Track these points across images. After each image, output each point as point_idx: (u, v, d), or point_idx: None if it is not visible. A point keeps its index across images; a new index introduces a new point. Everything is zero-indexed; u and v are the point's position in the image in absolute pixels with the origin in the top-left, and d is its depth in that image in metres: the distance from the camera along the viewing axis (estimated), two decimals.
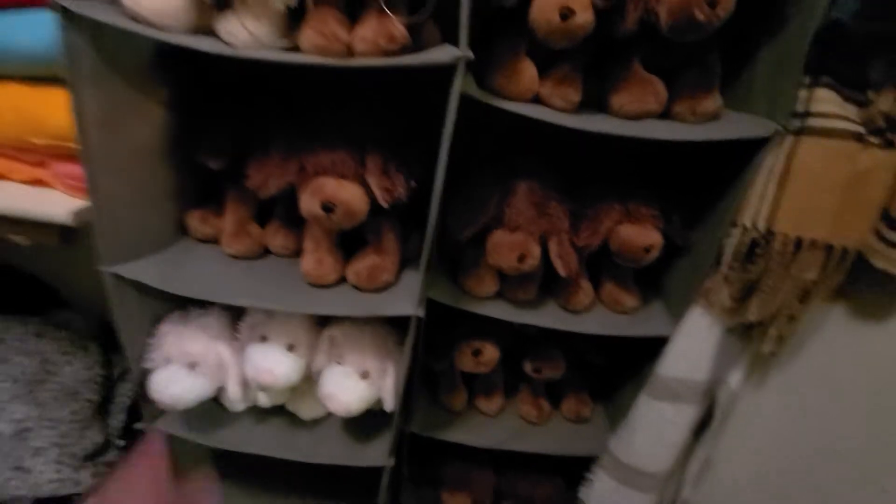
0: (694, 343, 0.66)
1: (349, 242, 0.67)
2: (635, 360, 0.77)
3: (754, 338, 0.63)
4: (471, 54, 0.48)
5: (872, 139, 0.48)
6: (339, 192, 0.55)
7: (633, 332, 0.70)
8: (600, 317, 0.72)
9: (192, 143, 0.65)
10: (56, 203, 0.68)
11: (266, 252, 0.74)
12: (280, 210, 0.72)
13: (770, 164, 0.53)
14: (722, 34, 0.53)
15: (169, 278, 0.64)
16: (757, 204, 0.55)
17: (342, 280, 0.68)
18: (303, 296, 0.64)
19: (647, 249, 0.63)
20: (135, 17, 0.50)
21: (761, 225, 0.55)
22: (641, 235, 0.63)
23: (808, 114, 0.51)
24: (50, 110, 0.65)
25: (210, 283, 0.65)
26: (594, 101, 0.61)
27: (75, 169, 0.69)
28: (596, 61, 0.59)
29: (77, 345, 0.88)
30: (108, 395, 0.90)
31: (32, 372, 0.83)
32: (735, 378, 0.67)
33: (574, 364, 0.84)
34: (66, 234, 0.72)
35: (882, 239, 0.49)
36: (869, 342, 0.54)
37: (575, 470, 0.84)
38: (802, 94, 0.51)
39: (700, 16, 0.49)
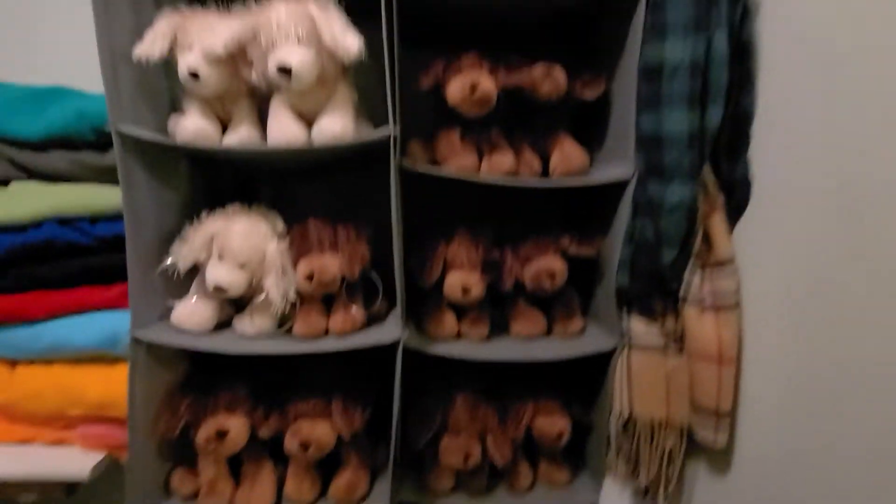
0: None
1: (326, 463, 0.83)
2: None
3: (654, 497, 0.80)
4: (406, 335, 0.73)
5: (672, 349, 0.75)
6: (313, 431, 0.74)
7: None
8: (541, 496, 0.88)
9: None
10: (74, 461, 0.80)
11: None
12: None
13: (619, 367, 0.79)
14: (571, 280, 0.84)
15: None
16: (619, 396, 0.78)
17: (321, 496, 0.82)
18: None
19: (559, 435, 0.83)
20: (179, 329, 0.74)
21: (625, 411, 0.77)
22: (552, 424, 0.84)
23: (630, 333, 0.78)
24: (89, 386, 0.83)
25: None
26: (499, 328, 0.88)
27: (99, 429, 0.84)
28: (494, 301, 0.88)
29: None
30: None
31: None
32: None
33: None
34: (72, 488, 0.83)
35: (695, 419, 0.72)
36: (723, 482, 0.74)
37: None
38: (624, 320, 0.79)
39: (547, 284, 0.79)
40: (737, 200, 0.71)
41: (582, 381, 0.90)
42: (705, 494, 0.77)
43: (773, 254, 0.67)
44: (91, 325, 0.84)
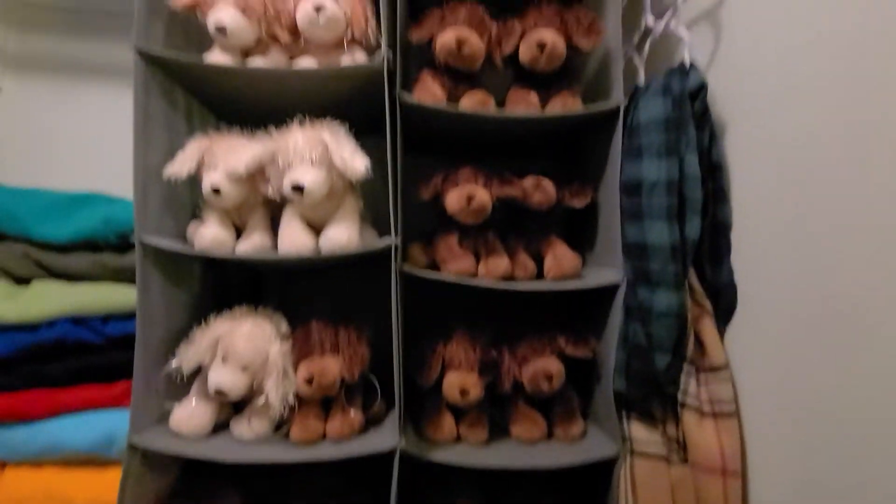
0: None
1: None
2: None
3: None
4: (403, 443, 0.73)
5: (675, 457, 0.73)
6: None
7: None
8: None
9: None
10: None
11: None
12: None
13: (623, 475, 0.76)
14: (570, 381, 0.84)
15: None
16: None
17: None
18: None
19: None
20: (176, 433, 0.74)
21: None
22: None
23: (631, 439, 0.77)
24: (78, 492, 0.81)
25: None
26: (499, 430, 0.86)
27: None
28: (493, 402, 0.87)
29: None
30: None
31: None
32: None
33: None
34: None
35: None
36: None
37: None
38: (625, 424, 0.78)
39: (544, 386, 0.80)
40: (724, 305, 0.74)
41: (585, 487, 0.86)
42: None
43: (765, 358, 0.68)
44: (87, 427, 0.84)
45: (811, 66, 0.63)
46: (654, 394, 0.74)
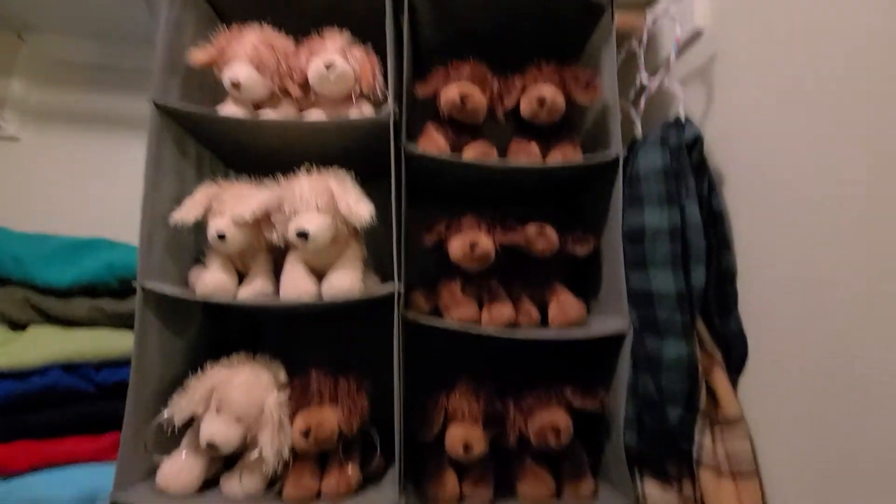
0: None
1: None
2: None
3: None
4: (403, 503, 0.69)
5: None
6: None
7: None
8: None
9: None
10: None
11: None
12: None
13: None
14: (579, 437, 0.80)
15: None
16: None
17: None
18: None
19: None
20: (163, 490, 0.69)
21: None
22: None
23: (645, 498, 0.72)
24: None
25: None
26: (505, 488, 0.81)
27: None
28: (499, 458, 0.82)
29: None
30: None
31: None
32: None
33: None
34: None
35: None
36: None
37: None
38: (638, 483, 0.74)
39: (552, 440, 0.76)
40: (735, 355, 0.72)
41: None
42: None
43: (780, 411, 0.65)
44: (70, 482, 0.80)
45: (804, 114, 0.65)
46: (667, 450, 0.70)
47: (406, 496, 0.71)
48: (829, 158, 0.60)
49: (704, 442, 0.68)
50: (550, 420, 0.77)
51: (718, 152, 0.80)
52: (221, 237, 0.77)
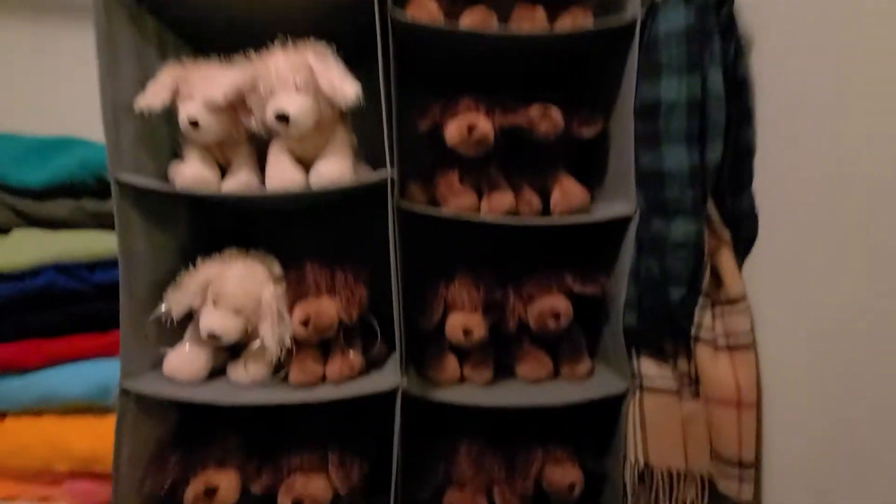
0: None
1: None
2: None
3: None
4: (405, 382, 0.70)
5: (686, 392, 0.71)
6: (307, 487, 0.70)
7: None
8: None
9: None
10: None
11: None
12: None
13: (631, 412, 0.74)
14: (577, 320, 0.81)
15: None
16: (633, 444, 0.73)
17: None
18: None
19: (572, 486, 0.78)
20: (171, 379, 0.71)
21: (640, 460, 0.72)
22: (563, 475, 0.78)
23: (641, 375, 0.74)
24: (77, 439, 0.80)
25: None
26: (504, 371, 0.84)
27: (86, 485, 0.80)
28: (498, 343, 0.84)
29: None
30: None
31: None
32: None
33: None
34: None
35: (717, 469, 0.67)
36: None
37: None
38: (634, 362, 0.76)
39: (551, 324, 0.76)
40: (744, 235, 0.69)
41: (593, 427, 0.85)
42: None
43: (787, 289, 0.64)
44: (83, 375, 0.82)
45: None
46: (666, 329, 0.71)
47: (408, 378, 0.73)
48: (871, 30, 0.52)
49: (704, 320, 0.68)
50: (550, 305, 0.77)
51: (750, 11, 0.70)
52: (194, 124, 0.70)
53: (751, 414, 0.64)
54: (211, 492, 0.68)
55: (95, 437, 0.78)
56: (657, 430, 0.71)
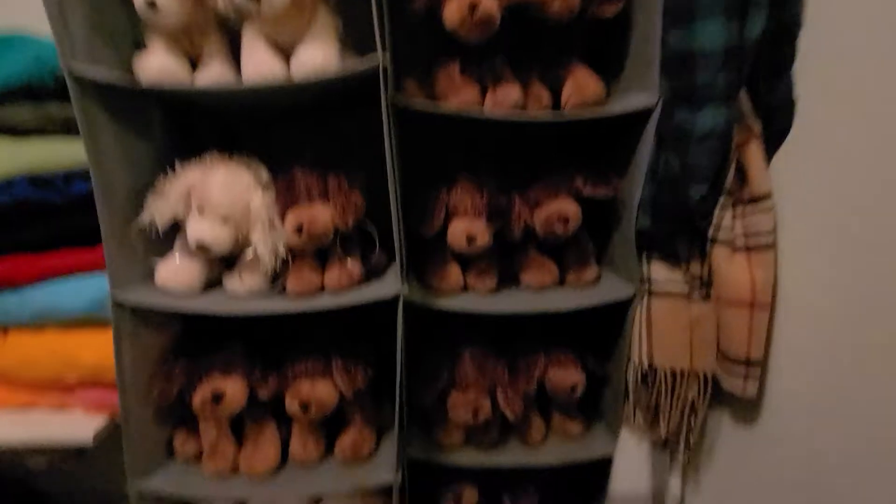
0: (630, 459, 0.79)
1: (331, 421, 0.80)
2: (592, 484, 0.88)
3: (674, 448, 0.77)
4: (406, 289, 0.68)
5: (696, 295, 0.69)
6: (313, 391, 0.71)
7: (583, 457, 0.83)
8: (555, 448, 0.85)
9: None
10: (77, 425, 0.78)
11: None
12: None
13: (638, 316, 0.73)
14: (584, 225, 0.77)
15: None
16: (638, 346, 0.73)
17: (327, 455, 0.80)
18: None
19: (573, 387, 0.79)
20: (164, 290, 0.69)
21: (644, 361, 0.72)
22: (566, 376, 0.79)
23: (650, 279, 0.72)
24: (83, 350, 0.80)
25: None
26: (508, 279, 0.82)
27: (98, 393, 0.82)
28: (503, 250, 0.81)
29: None
30: None
31: None
32: (675, 484, 0.80)
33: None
34: (81, 451, 0.82)
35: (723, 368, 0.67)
36: (749, 432, 0.70)
37: None
38: (644, 266, 0.73)
39: (559, 229, 0.72)
40: (776, 127, 0.62)
41: (597, 332, 0.85)
42: (729, 446, 0.73)
43: (816, 187, 0.59)
44: (79, 289, 0.80)
45: None
46: (682, 230, 0.67)
47: (409, 286, 0.71)
48: None
49: (723, 220, 0.63)
50: (558, 209, 0.73)
51: None
52: (152, 5, 0.60)
53: (763, 314, 0.62)
54: (218, 397, 0.69)
55: (101, 348, 0.78)
56: (663, 333, 0.71)
